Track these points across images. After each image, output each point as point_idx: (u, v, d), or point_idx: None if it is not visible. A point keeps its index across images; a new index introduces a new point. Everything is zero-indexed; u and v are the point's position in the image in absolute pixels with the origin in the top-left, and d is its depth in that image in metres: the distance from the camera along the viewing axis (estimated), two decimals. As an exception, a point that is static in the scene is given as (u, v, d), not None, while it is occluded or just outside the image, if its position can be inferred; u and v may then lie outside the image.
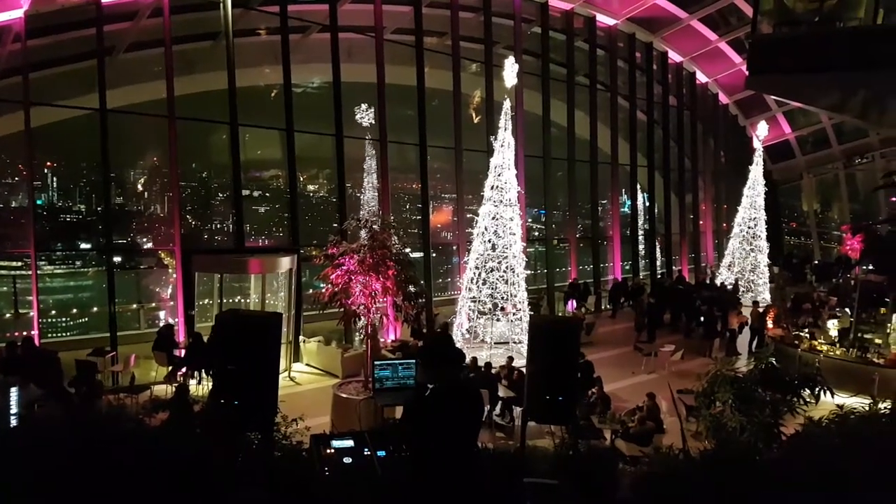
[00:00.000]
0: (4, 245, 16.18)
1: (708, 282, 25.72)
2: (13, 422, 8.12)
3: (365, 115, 16.13)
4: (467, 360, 14.10)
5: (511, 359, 13.90)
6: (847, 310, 17.49)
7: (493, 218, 16.65)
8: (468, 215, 19.95)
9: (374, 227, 12.32)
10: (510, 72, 16.35)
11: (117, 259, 16.70)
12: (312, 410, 8.62)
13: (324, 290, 12.12)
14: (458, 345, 15.04)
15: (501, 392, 12.49)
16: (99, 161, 15.51)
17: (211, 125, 18.02)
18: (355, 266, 11.69)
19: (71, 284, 18.18)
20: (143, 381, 14.21)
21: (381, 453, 4.80)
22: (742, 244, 25.12)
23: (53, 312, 16.91)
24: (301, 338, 16.82)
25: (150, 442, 4.48)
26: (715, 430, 8.56)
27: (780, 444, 7.44)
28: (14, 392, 8.73)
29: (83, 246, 18.29)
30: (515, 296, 16.65)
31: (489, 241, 16.62)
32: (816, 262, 30.94)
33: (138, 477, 3.91)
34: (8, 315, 15.41)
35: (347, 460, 4.81)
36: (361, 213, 16.07)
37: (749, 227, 25.04)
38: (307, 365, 16.47)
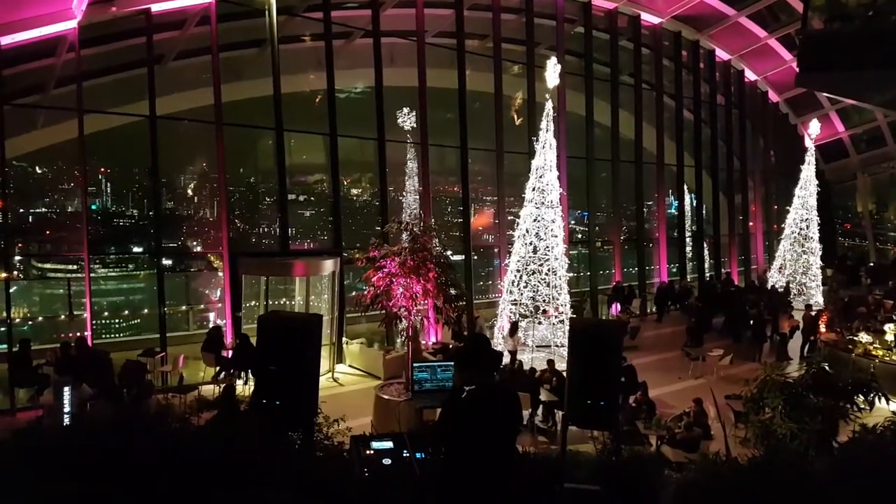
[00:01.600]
0: (60, 248, 16.79)
1: (757, 284, 25.05)
2: (66, 419, 8.44)
3: (407, 119, 16.21)
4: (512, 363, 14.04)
5: (552, 362, 13.76)
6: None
7: (535, 220, 16.53)
8: (509, 217, 19.84)
9: (415, 229, 12.36)
10: (552, 72, 16.23)
11: (167, 262, 17.12)
12: (354, 411, 8.70)
13: (366, 293, 12.21)
14: (498, 347, 15.00)
15: (543, 396, 12.39)
16: (150, 166, 15.95)
17: (257, 131, 18.33)
18: (396, 268, 11.75)
19: (123, 287, 18.73)
20: (191, 381, 14.53)
21: (419, 455, 4.82)
22: (793, 246, 24.42)
23: (106, 314, 17.43)
24: (344, 339, 16.99)
25: (171, 440, 4.57)
26: (764, 436, 8.34)
27: (833, 452, 7.19)
28: (67, 391, 9.08)
29: (135, 249, 18.79)
30: (557, 299, 16.49)
31: (530, 243, 16.51)
32: (872, 263, 29.85)
33: (153, 473, 3.99)
34: (63, 316, 15.94)
35: (386, 461, 4.85)
36: (403, 215, 16.16)
37: (801, 229, 24.33)
38: (350, 366, 16.63)
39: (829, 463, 5.90)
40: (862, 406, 9.21)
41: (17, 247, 16.13)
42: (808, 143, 24.99)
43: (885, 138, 29.35)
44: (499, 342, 16.67)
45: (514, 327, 16.05)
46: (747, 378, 9.98)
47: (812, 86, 21.74)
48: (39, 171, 17.41)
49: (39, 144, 16.29)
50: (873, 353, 15.01)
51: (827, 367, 9.52)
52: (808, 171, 24.43)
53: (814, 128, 24.49)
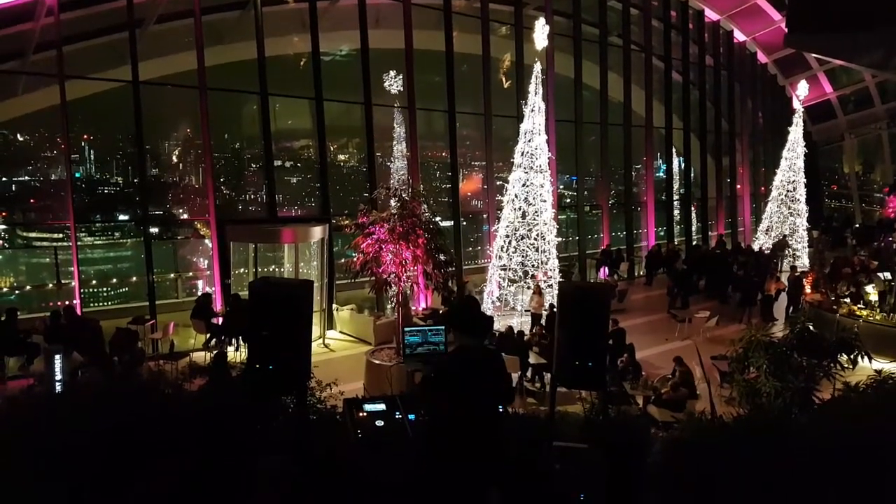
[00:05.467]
0: (45, 217, 16.62)
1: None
2: (58, 387, 8.46)
3: (393, 83, 16.01)
4: (501, 327, 14.15)
5: (542, 326, 13.89)
6: (888, 273, 17.04)
7: (524, 185, 16.52)
8: (498, 182, 19.80)
9: (403, 195, 12.32)
10: (541, 34, 16.06)
11: (154, 230, 17.01)
12: (346, 376, 8.75)
13: (355, 259, 12.21)
14: (488, 312, 15.01)
15: (532, 358, 12.54)
16: (133, 133, 15.73)
17: (241, 96, 18.05)
18: (385, 235, 11.74)
19: (110, 255, 18.61)
20: (182, 348, 14.58)
21: (411, 416, 4.88)
22: (780, 208, 24.54)
23: (94, 282, 17.35)
24: (334, 306, 17.04)
25: (184, 407, 4.61)
26: (749, 395, 8.50)
27: (816, 409, 7.36)
28: (58, 359, 9.07)
29: (121, 217, 18.63)
30: (546, 263, 16.57)
31: (519, 208, 16.52)
32: (857, 225, 30.13)
33: (170, 441, 4.04)
34: (50, 285, 15.85)
35: (379, 423, 4.91)
36: (391, 181, 16.08)
37: (788, 191, 24.43)
38: (341, 332, 16.72)
39: (810, 419, 6.04)
40: (846, 365, 9.42)
41: (2, 215, 15.96)
42: (796, 105, 24.95)
43: (873, 99, 29.38)
44: (488, 307, 16.80)
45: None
46: (733, 339, 10.13)
47: (801, 46, 21.68)
48: (21, 139, 17.12)
49: (20, 111, 16.00)
50: (857, 313, 15.25)
51: (811, 327, 9.68)
52: (796, 133, 24.42)
53: (802, 89, 24.44)
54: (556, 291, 15.82)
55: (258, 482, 4.18)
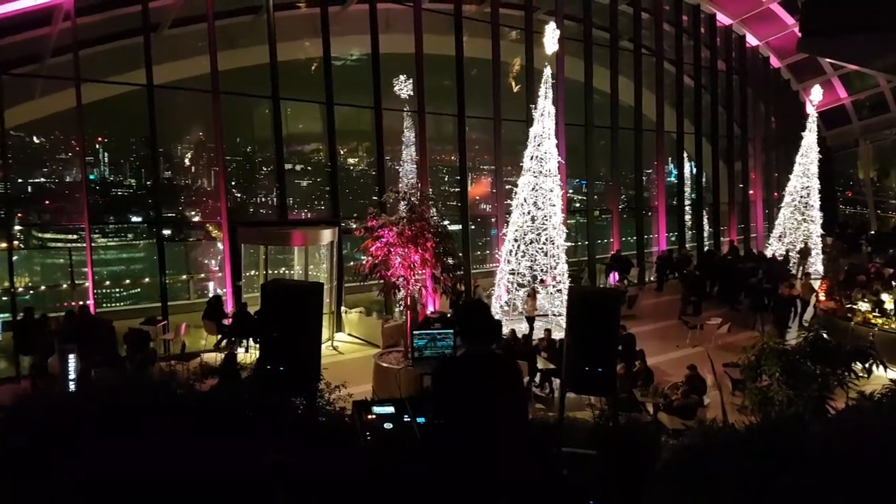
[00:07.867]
0: (60, 218, 16.79)
1: (756, 252, 25.03)
2: (71, 386, 8.55)
3: (403, 87, 16.06)
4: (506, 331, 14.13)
5: (549, 331, 13.85)
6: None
7: (533, 189, 16.49)
8: (507, 187, 19.78)
9: (412, 199, 12.35)
10: (551, 38, 16.06)
11: (167, 232, 17.14)
12: (354, 378, 8.78)
13: (364, 262, 12.25)
14: (496, 317, 14.96)
15: (540, 364, 12.51)
16: (147, 136, 15.87)
17: (254, 100, 18.20)
18: (394, 238, 11.78)
19: (123, 256, 18.76)
20: (193, 348, 14.68)
21: (420, 419, 4.89)
22: (794, 214, 24.31)
23: (107, 283, 17.47)
24: (343, 308, 17.08)
25: (194, 405, 4.63)
26: (761, 403, 8.43)
27: (829, 418, 7.28)
28: (72, 358, 9.16)
29: (134, 219, 18.77)
30: (555, 268, 16.53)
31: (528, 212, 16.48)
32: (872, 232, 29.83)
33: (178, 437, 4.05)
34: (65, 286, 15.99)
35: (388, 426, 4.92)
36: (400, 185, 16.13)
37: (801, 197, 24.21)
38: (349, 335, 16.75)
39: (823, 428, 5.97)
40: (860, 373, 9.32)
41: (18, 217, 16.12)
42: (810, 110, 24.75)
43: (888, 104, 29.09)
44: (496, 312, 16.77)
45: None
46: (745, 346, 10.06)
47: (814, 51, 21.49)
48: (37, 141, 17.29)
49: (37, 114, 16.19)
50: (872, 321, 15.04)
51: (825, 335, 9.59)
52: (810, 138, 24.20)
53: (816, 94, 24.24)
54: (565, 297, 15.77)
55: (266, 480, 4.18)
